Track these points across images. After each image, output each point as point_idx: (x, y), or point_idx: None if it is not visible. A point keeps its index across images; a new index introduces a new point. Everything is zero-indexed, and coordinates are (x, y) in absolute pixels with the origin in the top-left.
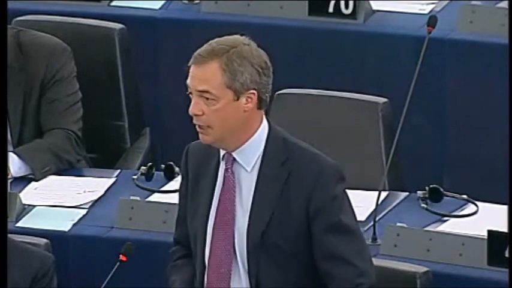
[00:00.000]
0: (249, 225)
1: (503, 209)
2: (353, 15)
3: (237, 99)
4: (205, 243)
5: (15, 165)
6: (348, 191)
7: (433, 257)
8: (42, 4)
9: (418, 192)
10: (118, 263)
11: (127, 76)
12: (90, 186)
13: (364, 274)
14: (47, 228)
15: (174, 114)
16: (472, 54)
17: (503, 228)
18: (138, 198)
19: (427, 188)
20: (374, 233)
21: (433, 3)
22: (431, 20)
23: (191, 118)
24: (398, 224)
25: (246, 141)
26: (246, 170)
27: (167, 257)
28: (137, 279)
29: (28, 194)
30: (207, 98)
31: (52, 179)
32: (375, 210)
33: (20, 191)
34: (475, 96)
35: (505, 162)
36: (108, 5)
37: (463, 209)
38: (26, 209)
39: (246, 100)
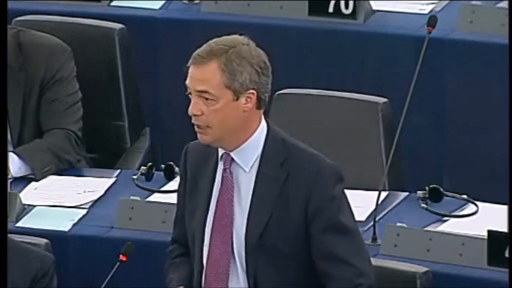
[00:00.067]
0: (247, 226)
1: (503, 209)
2: (353, 15)
3: (236, 99)
4: (203, 243)
5: (15, 165)
6: (348, 191)
7: (433, 257)
8: (42, 4)
9: (418, 192)
10: (118, 263)
11: (127, 76)
12: (90, 186)
13: (363, 274)
14: (47, 228)
15: (174, 114)
16: (472, 54)
17: (503, 228)
18: (138, 198)
19: (427, 188)
20: (374, 233)
21: (433, 3)
22: (431, 20)
23: (191, 118)
24: (398, 224)
25: (245, 141)
26: (244, 170)
27: (167, 256)
28: (137, 279)
29: (28, 194)
30: (206, 98)
31: (52, 179)
32: (374, 210)
33: (20, 191)
34: (475, 96)
35: (505, 162)
36: (108, 5)
37: (463, 209)
38: (26, 209)
39: (245, 100)
